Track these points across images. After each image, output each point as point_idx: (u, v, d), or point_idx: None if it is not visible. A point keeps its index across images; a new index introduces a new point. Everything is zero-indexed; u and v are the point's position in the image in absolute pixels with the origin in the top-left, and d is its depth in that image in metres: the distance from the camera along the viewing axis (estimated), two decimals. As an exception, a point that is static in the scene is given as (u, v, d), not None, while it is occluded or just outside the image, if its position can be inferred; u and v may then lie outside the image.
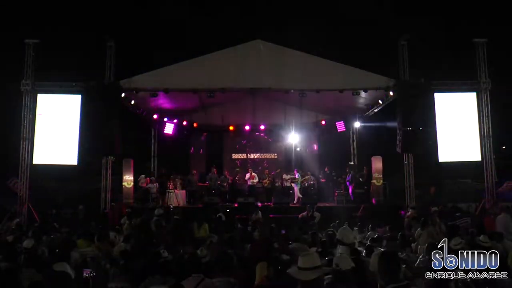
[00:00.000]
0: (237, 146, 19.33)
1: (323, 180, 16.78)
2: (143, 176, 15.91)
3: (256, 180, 16.24)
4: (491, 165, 13.12)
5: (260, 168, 18.35)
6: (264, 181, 16.72)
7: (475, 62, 13.26)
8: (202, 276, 4.22)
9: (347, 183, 15.66)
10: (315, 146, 19.43)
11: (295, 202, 15.30)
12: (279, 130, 18.25)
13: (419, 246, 7.22)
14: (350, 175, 15.59)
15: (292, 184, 15.95)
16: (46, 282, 3.53)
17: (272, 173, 17.09)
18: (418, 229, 8.50)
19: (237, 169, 17.62)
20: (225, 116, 17.58)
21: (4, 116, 16.38)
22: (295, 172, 16.27)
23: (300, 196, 15.49)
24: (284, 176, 16.55)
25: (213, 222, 10.07)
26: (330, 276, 3.62)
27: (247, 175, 16.41)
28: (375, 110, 15.32)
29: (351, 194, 15.35)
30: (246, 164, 18.53)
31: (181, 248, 6.82)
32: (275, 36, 14.34)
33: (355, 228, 9.59)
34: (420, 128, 12.57)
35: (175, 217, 11.19)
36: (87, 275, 4.44)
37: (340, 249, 5.76)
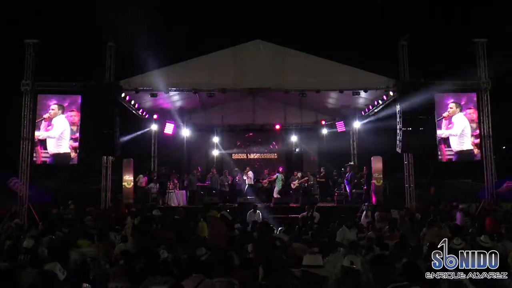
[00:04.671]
0: (237, 146, 19.33)
1: (321, 180, 16.76)
2: (141, 175, 15.91)
3: (251, 179, 16.22)
4: (491, 165, 13.11)
5: (257, 166, 18.37)
6: (264, 181, 16.72)
7: (475, 62, 13.25)
8: (202, 276, 4.22)
9: (345, 181, 15.68)
10: (315, 146, 19.41)
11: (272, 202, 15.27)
12: (279, 130, 18.21)
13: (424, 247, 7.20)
14: (349, 175, 15.59)
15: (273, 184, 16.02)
16: (35, 280, 3.57)
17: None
18: (424, 228, 8.50)
19: (236, 169, 17.60)
20: (225, 116, 17.58)
21: (4, 116, 16.38)
22: (275, 172, 16.33)
23: (278, 196, 15.50)
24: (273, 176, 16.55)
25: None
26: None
27: (246, 175, 16.38)
28: (375, 110, 15.32)
29: (349, 194, 15.36)
30: (246, 164, 18.53)
31: (181, 248, 6.81)
32: (275, 36, 14.36)
33: (352, 229, 9.57)
34: (420, 128, 12.57)
35: (175, 217, 11.17)
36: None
37: (341, 250, 5.76)
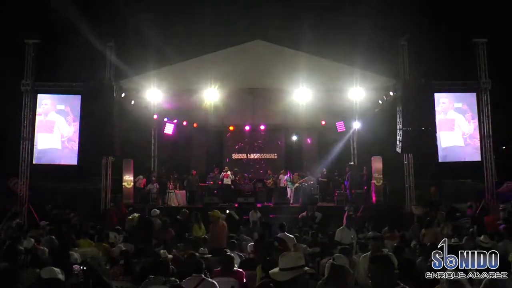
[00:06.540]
0: (237, 146, 19.34)
1: (323, 180, 16.76)
2: (140, 176, 15.89)
3: (229, 179, 16.21)
4: (491, 165, 13.10)
5: (258, 167, 18.37)
6: (268, 181, 16.71)
7: (475, 62, 13.25)
8: (202, 276, 4.23)
9: (346, 182, 15.68)
10: (315, 146, 19.41)
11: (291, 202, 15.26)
12: (279, 130, 18.20)
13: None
14: (349, 175, 15.59)
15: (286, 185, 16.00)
16: None
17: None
18: (423, 229, 8.50)
19: (236, 169, 17.60)
20: (225, 116, 17.58)
21: (4, 116, 16.37)
22: (288, 173, 16.33)
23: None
24: (281, 176, 16.55)
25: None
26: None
27: (223, 174, 16.31)
28: (375, 110, 15.32)
29: (348, 194, 15.35)
30: (247, 164, 18.56)
31: (181, 248, 6.81)
32: (275, 36, 14.35)
33: (352, 228, 9.55)
34: (420, 128, 12.57)
35: (177, 217, 11.18)
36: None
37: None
